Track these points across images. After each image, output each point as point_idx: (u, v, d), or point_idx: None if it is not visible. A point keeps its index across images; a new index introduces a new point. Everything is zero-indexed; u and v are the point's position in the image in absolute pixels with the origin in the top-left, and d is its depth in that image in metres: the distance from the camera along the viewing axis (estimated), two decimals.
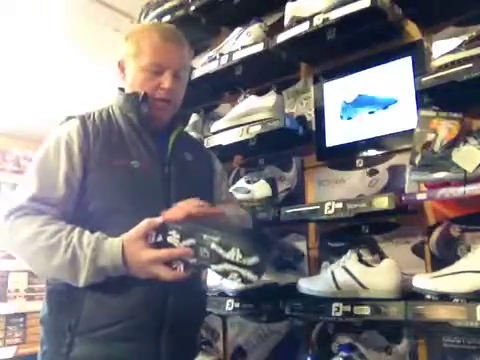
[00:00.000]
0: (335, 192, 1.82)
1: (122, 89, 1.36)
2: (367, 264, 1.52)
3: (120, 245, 1.10)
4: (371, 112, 1.77)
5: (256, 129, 1.79)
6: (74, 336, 1.13)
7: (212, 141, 1.93)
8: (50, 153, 1.23)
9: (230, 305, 1.70)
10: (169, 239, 1.12)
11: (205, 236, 1.11)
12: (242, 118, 1.88)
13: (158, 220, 1.12)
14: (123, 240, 1.11)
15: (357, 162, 1.79)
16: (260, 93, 1.91)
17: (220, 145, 1.89)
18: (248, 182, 1.88)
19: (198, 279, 1.37)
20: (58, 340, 1.15)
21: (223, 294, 1.74)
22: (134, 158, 1.24)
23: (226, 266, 1.11)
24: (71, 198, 1.20)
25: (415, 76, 1.61)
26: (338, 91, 1.88)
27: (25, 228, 1.13)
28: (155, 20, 2.26)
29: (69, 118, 1.29)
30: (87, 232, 1.13)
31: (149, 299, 1.17)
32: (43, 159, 1.23)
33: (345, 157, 1.83)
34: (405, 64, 1.70)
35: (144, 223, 1.12)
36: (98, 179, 1.21)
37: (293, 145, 1.94)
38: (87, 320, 1.14)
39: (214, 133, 1.95)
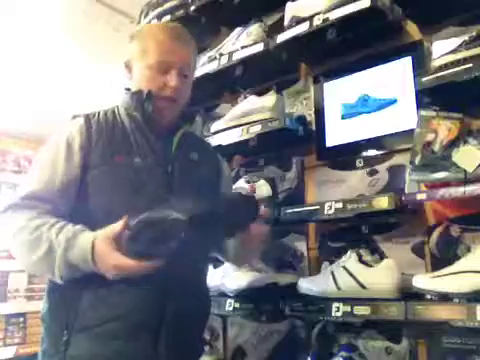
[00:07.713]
0: (335, 192, 1.82)
1: (128, 89, 1.36)
2: (367, 264, 1.52)
3: (90, 242, 1.09)
4: (371, 112, 1.77)
5: (256, 129, 1.79)
6: (71, 333, 1.14)
7: (212, 141, 1.92)
8: (50, 151, 1.25)
9: (230, 305, 1.70)
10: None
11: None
12: (242, 118, 1.88)
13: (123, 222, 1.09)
14: (94, 239, 1.09)
15: (357, 162, 1.79)
16: (260, 93, 1.91)
17: (220, 145, 1.89)
18: (248, 182, 1.88)
19: (202, 280, 1.37)
20: (56, 338, 1.16)
21: (223, 294, 1.74)
22: (136, 155, 1.24)
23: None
24: (67, 195, 1.21)
25: (415, 76, 1.61)
26: (338, 91, 1.87)
27: (14, 222, 1.15)
28: (155, 20, 2.26)
29: (74, 117, 1.30)
30: (66, 228, 1.12)
31: (148, 298, 1.16)
32: (43, 156, 1.26)
33: (345, 157, 1.83)
34: (405, 64, 1.70)
35: (117, 225, 1.09)
36: (99, 175, 1.21)
37: (293, 145, 1.94)
38: (84, 317, 1.14)
39: (214, 133, 1.95)
